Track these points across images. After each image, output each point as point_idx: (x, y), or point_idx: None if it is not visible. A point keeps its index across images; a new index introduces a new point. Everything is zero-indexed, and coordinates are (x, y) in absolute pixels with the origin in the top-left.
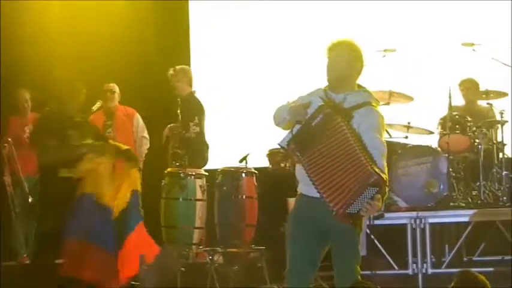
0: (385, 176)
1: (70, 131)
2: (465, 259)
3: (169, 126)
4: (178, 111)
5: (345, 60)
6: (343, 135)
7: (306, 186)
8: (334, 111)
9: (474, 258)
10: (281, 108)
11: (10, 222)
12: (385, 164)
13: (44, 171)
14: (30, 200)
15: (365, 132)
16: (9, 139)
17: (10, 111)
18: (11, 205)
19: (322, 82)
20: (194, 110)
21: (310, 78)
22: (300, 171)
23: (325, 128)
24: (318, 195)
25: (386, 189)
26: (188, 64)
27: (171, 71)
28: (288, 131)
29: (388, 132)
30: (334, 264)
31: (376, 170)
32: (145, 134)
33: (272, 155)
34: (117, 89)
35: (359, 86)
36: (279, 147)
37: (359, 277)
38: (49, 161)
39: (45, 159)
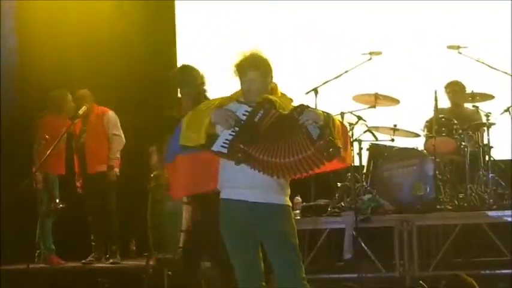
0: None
1: None
2: (452, 261)
3: None
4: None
5: (259, 83)
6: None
7: (238, 190)
8: (273, 105)
9: (461, 261)
10: (198, 114)
11: (42, 220)
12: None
13: None
14: (57, 201)
15: None
16: (47, 136)
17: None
18: (38, 202)
19: (307, 84)
20: None
21: (298, 79)
22: (230, 175)
23: (269, 120)
24: (247, 198)
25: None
26: (175, 65)
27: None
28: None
29: (374, 135)
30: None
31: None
32: (116, 131)
33: None
34: (87, 95)
35: (282, 93)
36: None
37: (305, 283)
38: None
39: None
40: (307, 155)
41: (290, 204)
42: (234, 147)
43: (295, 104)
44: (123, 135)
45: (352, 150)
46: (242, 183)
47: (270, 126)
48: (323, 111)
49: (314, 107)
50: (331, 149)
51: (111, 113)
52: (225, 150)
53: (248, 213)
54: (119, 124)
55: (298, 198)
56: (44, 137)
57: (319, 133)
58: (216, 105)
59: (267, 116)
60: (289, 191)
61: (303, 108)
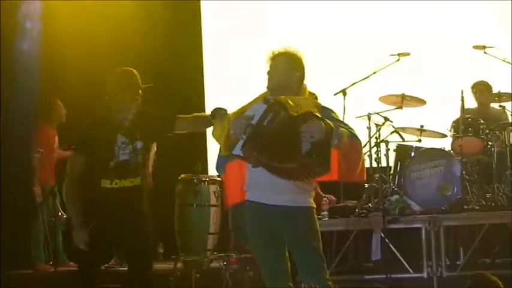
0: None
1: None
2: (480, 261)
3: None
4: None
5: (284, 70)
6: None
7: (259, 193)
8: (282, 107)
9: (488, 261)
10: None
11: (35, 231)
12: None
13: None
14: (60, 213)
15: None
16: (41, 149)
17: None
18: (40, 215)
19: (338, 84)
20: None
21: (325, 80)
22: (252, 177)
23: (277, 123)
24: (268, 201)
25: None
26: (201, 67)
27: None
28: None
29: (401, 136)
30: (300, 275)
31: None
32: None
33: None
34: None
35: (310, 93)
36: None
37: (330, 284)
38: None
39: None
40: (292, 166)
41: (313, 205)
42: (247, 151)
43: (323, 105)
44: None
45: (379, 151)
46: (263, 186)
47: (277, 129)
48: (331, 126)
49: (343, 108)
50: (316, 168)
51: None
52: (242, 154)
53: (270, 215)
54: None
55: (326, 200)
56: (37, 150)
57: (308, 148)
58: (237, 112)
59: (275, 119)
60: (313, 193)
61: (308, 116)
